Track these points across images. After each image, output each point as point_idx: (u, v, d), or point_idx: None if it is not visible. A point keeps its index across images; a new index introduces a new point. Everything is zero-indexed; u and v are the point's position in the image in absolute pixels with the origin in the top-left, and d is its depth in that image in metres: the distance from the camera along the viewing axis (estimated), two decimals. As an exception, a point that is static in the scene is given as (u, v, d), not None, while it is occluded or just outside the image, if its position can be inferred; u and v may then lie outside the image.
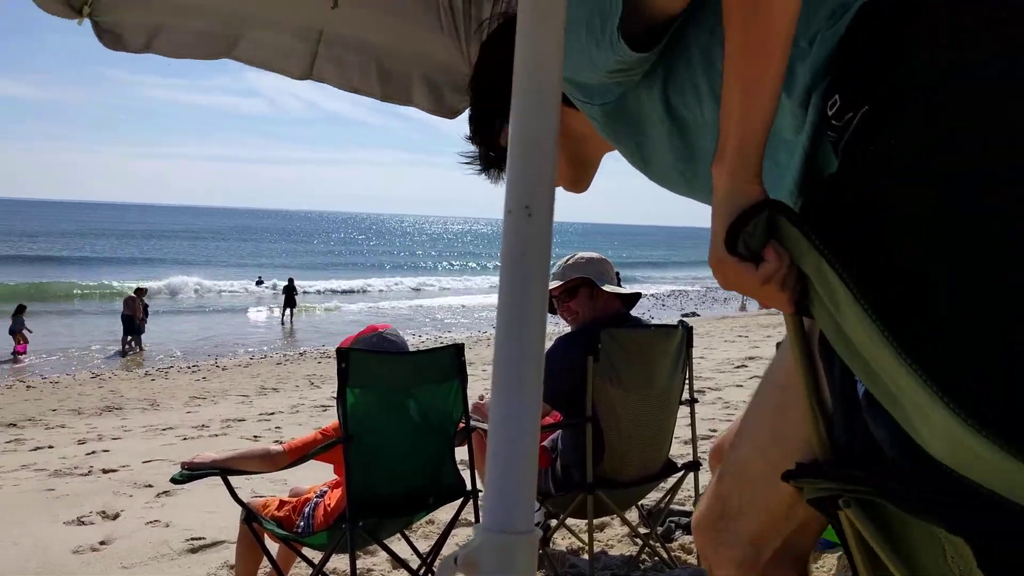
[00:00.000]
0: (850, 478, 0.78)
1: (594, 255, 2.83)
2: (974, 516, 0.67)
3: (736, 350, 10.66)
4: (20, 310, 15.68)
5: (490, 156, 1.20)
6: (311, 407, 7.53)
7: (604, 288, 2.69)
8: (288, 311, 20.28)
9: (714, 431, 5.27)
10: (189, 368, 12.63)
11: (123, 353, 14.85)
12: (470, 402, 2.57)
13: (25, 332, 15.15)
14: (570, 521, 3.09)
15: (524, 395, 0.63)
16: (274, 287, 19.37)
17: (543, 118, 0.65)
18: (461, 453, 2.61)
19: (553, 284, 2.77)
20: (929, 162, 0.68)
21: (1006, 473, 0.61)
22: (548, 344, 2.53)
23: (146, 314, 16.32)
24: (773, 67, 0.75)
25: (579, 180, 1.19)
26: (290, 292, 20.44)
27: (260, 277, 28.90)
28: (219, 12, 1.67)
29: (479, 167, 1.23)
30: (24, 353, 14.54)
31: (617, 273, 2.87)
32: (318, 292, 28.07)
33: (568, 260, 2.81)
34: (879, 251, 0.70)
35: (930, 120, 0.69)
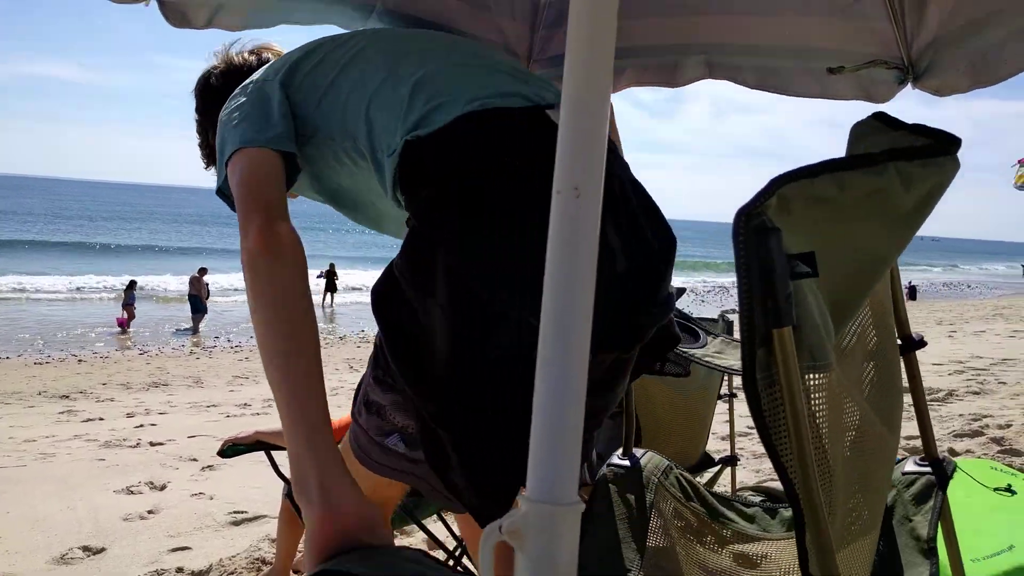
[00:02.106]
0: None
1: None
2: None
3: (777, 348, 10.52)
4: (131, 285, 16.45)
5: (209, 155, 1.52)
6: (349, 390, 7.65)
7: None
8: (329, 296, 20.62)
9: (752, 427, 5.24)
10: (232, 348, 12.92)
11: (194, 331, 15.38)
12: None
13: (134, 307, 15.87)
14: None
15: (569, 367, 0.65)
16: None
17: (595, 99, 0.67)
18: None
19: None
20: (442, 221, 1.06)
21: None
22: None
23: (208, 293, 16.87)
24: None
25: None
26: (331, 277, 20.77)
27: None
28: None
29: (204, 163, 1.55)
30: (124, 327, 15.20)
31: None
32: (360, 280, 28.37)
33: None
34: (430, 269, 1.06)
35: (439, 202, 1.07)
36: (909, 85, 1.83)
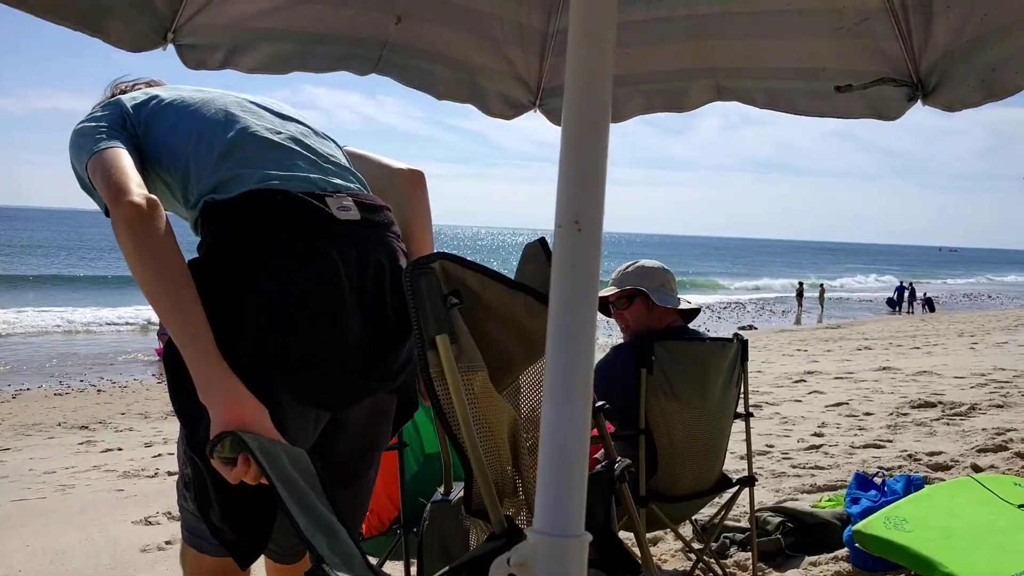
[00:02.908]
0: None
1: (655, 265, 2.79)
2: None
3: (794, 364, 10.44)
4: None
5: None
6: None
7: (662, 306, 2.68)
8: None
9: (771, 446, 5.18)
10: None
11: None
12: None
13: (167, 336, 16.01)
14: (622, 534, 3.07)
15: (574, 401, 0.65)
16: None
17: (593, 134, 0.68)
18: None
19: (610, 290, 2.77)
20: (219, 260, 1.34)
21: None
22: (601, 355, 2.54)
23: None
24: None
25: None
26: None
27: None
28: (289, 34, 1.76)
29: None
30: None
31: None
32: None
33: (628, 267, 2.79)
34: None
35: (208, 260, 1.33)
36: (919, 102, 1.83)
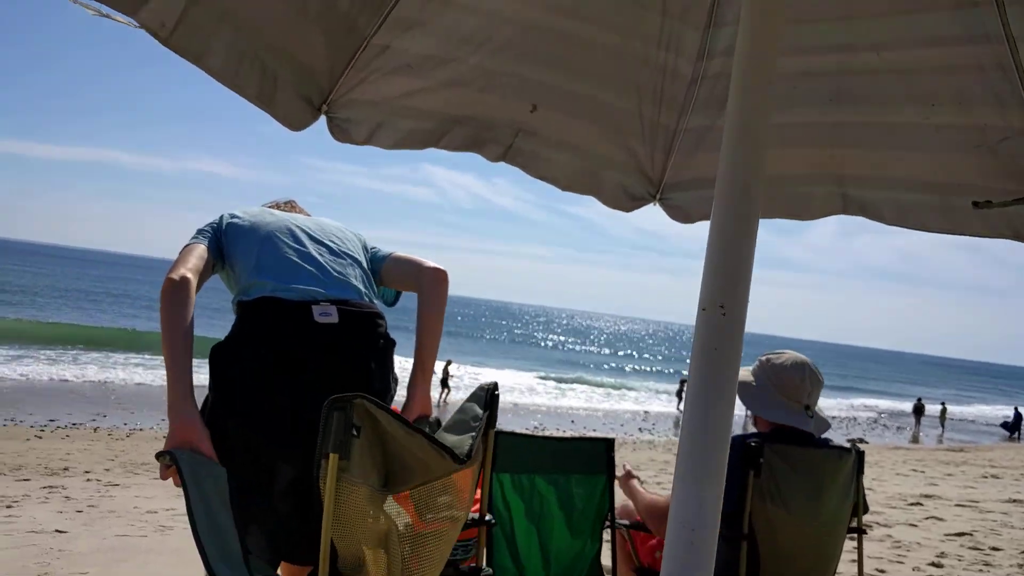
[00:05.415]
0: None
1: (793, 363, 2.50)
2: None
3: (910, 485, 9.72)
4: None
5: None
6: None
7: (773, 421, 2.47)
8: (445, 391, 21.43)
9: (882, 571, 4.80)
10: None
11: None
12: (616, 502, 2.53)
13: None
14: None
15: (707, 486, 0.65)
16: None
17: (742, 221, 0.69)
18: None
19: (744, 376, 2.55)
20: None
21: None
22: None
23: None
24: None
25: None
26: (445, 374, 21.63)
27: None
28: (433, 114, 1.88)
29: None
30: None
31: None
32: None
33: (770, 358, 2.55)
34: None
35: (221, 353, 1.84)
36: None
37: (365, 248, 2.14)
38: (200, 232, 2.00)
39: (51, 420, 12.05)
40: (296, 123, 1.68)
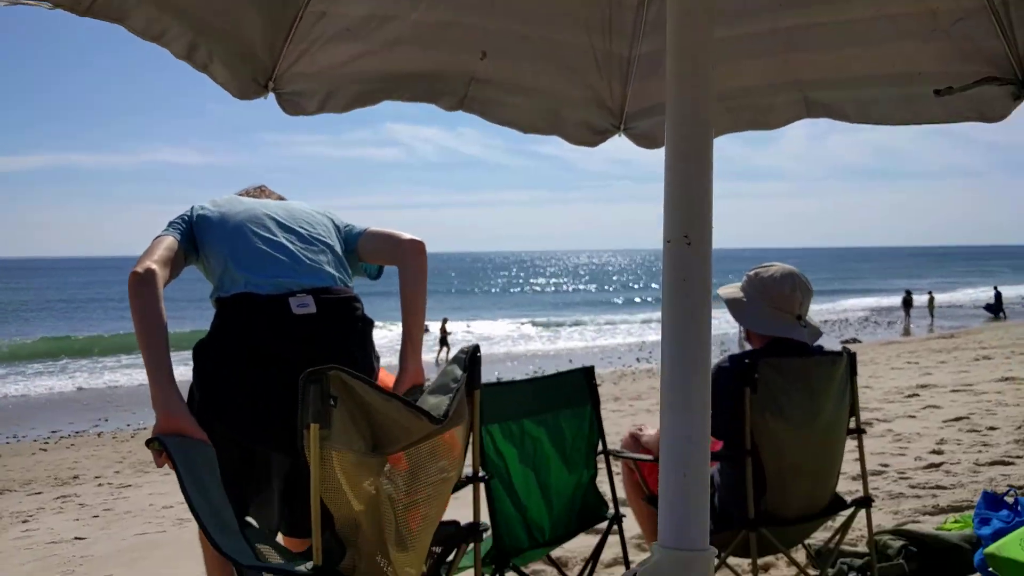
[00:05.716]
0: None
1: (780, 274, 2.49)
2: None
3: (905, 378, 9.92)
4: None
5: None
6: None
7: (766, 334, 2.49)
8: (444, 350, 21.29)
9: (885, 465, 4.93)
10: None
11: None
12: (617, 433, 2.56)
13: None
14: (732, 560, 2.98)
15: (693, 416, 0.65)
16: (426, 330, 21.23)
17: (697, 152, 0.68)
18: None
19: (733, 293, 2.57)
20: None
21: None
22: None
23: None
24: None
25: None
26: (443, 332, 21.49)
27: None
28: (380, 74, 1.84)
29: None
30: None
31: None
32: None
33: (758, 272, 2.55)
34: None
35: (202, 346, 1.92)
36: (1026, 99, 1.75)
37: (338, 228, 2.14)
38: (171, 224, 2.01)
39: (53, 431, 12.04)
40: (240, 93, 1.63)
